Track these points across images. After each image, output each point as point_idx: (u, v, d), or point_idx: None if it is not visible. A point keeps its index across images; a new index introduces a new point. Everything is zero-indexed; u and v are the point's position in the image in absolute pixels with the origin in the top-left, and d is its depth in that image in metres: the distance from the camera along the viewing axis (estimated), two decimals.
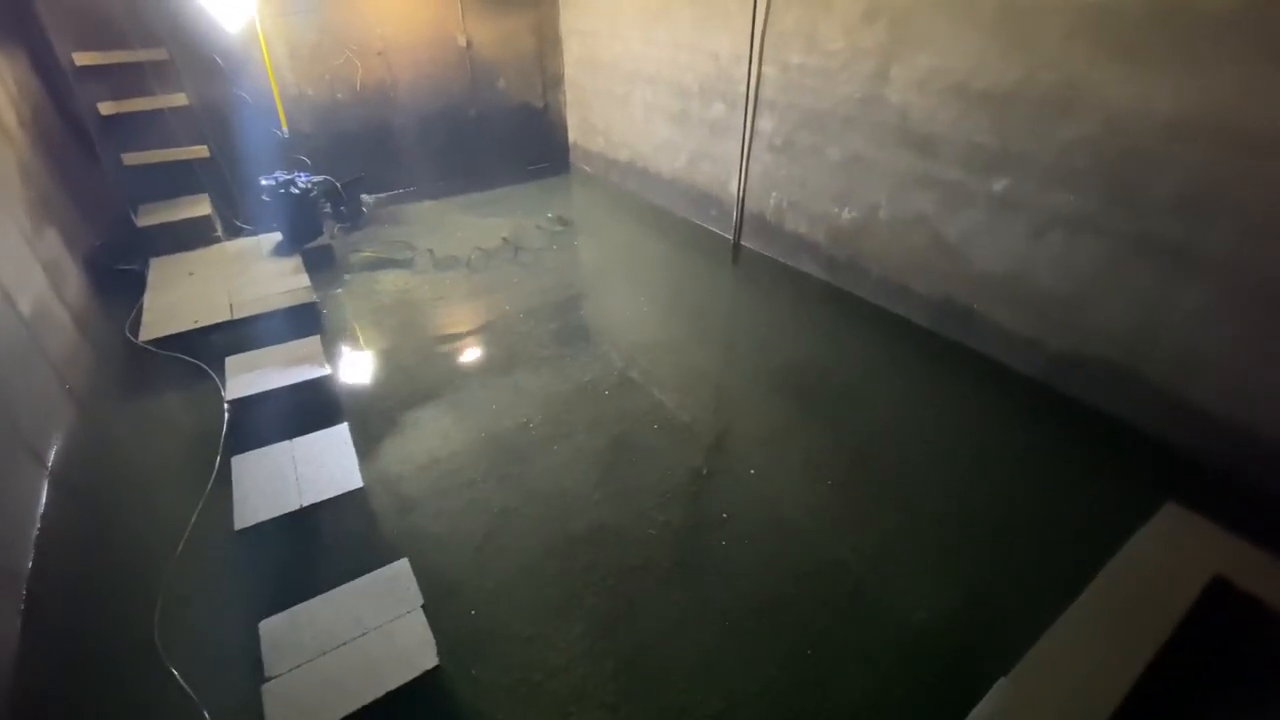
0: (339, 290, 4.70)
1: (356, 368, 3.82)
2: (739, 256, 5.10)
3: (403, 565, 2.22)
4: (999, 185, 3.23)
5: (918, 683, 2.08)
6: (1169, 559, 2.19)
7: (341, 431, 2.87)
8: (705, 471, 2.98)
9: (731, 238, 5.20)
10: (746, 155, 4.78)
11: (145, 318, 3.94)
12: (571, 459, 3.05)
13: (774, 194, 4.71)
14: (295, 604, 2.14)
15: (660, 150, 5.79)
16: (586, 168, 7.15)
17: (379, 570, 2.24)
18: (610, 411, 3.36)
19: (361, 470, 2.65)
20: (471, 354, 3.93)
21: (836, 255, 4.39)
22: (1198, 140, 2.53)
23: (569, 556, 2.54)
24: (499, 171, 6.92)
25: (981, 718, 1.79)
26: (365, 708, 1.82)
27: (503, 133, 6.87)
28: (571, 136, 7.26)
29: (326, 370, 3.35)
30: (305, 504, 2.53)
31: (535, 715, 2.01)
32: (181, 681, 2.08)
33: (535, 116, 7.03)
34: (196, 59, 4.97)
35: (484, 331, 4.15)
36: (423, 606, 2.09)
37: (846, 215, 4.20)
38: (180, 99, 4.93)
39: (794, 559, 2.52)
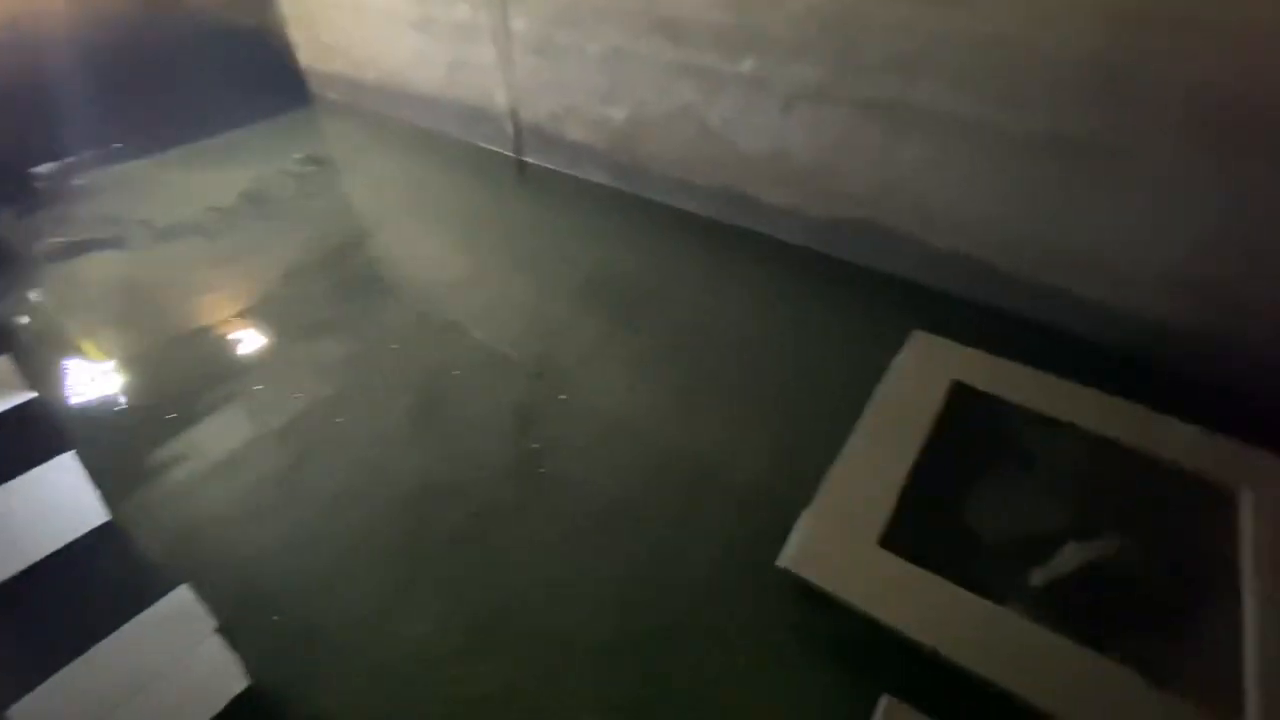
0: (31, 292, 3.71)
1: (77, 381, 3.09)
2: (524, 173, 4.84)
3: (182, 592, 1.92)
4: (746, 66, 3.33)
5: (752, 537, 2.25)
6: (920, 376, 2.58)
7: (67, 463, 2.35)
8: (530, 400, 2.90)
9: (512, 154, 4.90)
10: (506, 61, 4.43)
11: None
12: (379, 423, 2.79)
13: (545, 101, 4.46)
14: (54, 673, 1.76)
15: (412, 65, 5.17)
16: (332, 95, 6.22)
17: (155, 605, 1.92)
18: (415, 361, 3.11)
19: (111, 499, 2.20)
20: (228, 334, 3.35)
21: (619, 158, 4.33)
22: None
23: (399, 525, 2.37)
24: (219, 112, 5.73)
25: (792, 549, 2.02)
26: None
27: (210, 63, 5.67)
28: (304, 59, 6.21)
29: (30, 394, 2.67)
30: (39, 557, 2.06)
31: (391, 699, 1.89)
32: None
33: (250, 39, 5.88)
34: None
35: (240, 304, 3.54)
36: (218, 629, 1.82)
37: (619, 115, 4.11)
38: None
39: (630, 463, 2.58)
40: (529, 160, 4.88)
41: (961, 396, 2.50)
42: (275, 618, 2.05)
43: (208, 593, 1.99)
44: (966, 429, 2.42)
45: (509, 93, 4.58)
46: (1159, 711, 1.60)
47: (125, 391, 3.01)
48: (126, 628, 1.84)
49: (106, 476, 2.47)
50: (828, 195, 3.44)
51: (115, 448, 2.68)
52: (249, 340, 3.32)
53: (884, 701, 1.69)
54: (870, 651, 1.88)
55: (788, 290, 3.48)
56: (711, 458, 2.58)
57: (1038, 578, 1.94)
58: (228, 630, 1.83)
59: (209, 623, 1.84)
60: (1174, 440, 2.23)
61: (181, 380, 3.04)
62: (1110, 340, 2.89)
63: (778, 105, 3.34)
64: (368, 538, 2.33)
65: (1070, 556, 1.96)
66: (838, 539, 2.02)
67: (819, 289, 3.47)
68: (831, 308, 3.33)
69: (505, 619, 2.08)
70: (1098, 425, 2.31)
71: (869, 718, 1.68)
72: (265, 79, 6.06)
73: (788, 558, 1.99)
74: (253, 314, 3.47)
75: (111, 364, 3.17)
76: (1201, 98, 2.30)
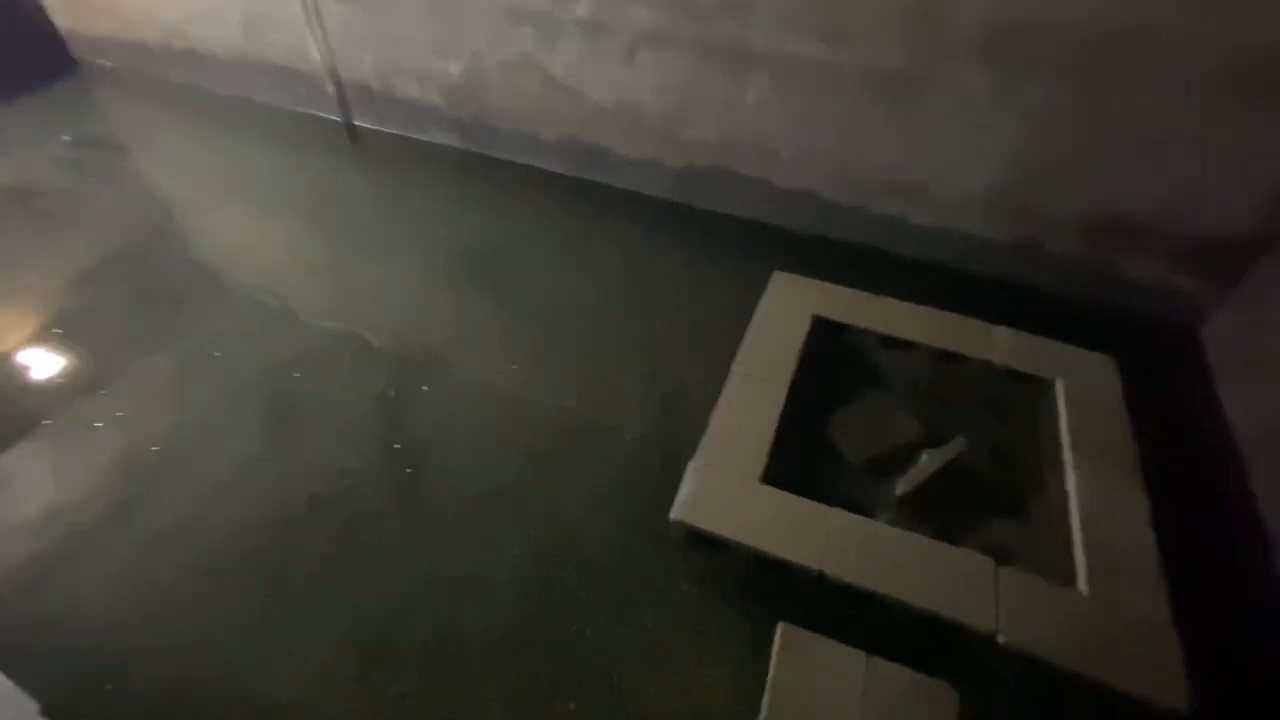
0: None
1: None
2: (357, 139, 4.38)
3: None
4: (582, 9, 3.16)
5: (646, 495, 2.24)
6: (783, 315, 2.67)
7: None
8: (395, 392, 2.69)
9: (340, 119, 4.40)
10: (314, 10, 3.91)
11: None
12: (221, 442, 2.47)
13: (367, 56, 4.01)
14: None
15: (199, 21, 4.43)
16: (105, 62, 5.22)
17: None
18: (255, 365, 2.76)
19: None
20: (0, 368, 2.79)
21: (462, 116, 4.02)
22: None
23: (258, 555, 2.13)
24: None
25: (682, 499, 2.05)
26: None
27: None
28: (60, 21, 5.13)
29: None
30: None
31: None
32: None
33: None
34: None
35: (13, 329, 2.94)
36: (42, 712, 1.55)
37: (454, 68, 3.79)
38: None
39: (512, 441, 2.48)
40: (361, 124, 4.42)
41: (822, 330, 2.63)
42: (109, 687, 1.77)
43: (25, 673, 1.68)
44: (829, 359, 2.56)
45: (323, 48, 4.07)
46: (1008, 589, 1.81)
47: None
48: None
49: None
50: (680, 144, 3.42)
51: None
52: (30, 372, 2.76)
53: (781, 628, 1.78)
54: (766, 585, 1.97)
55: (653, 244, 3.46)
56: (597, 424, 2.54)
57: (900, 487, 2.12)
58: (55, 711, 1.56)
59: (29, 705, 1.56)
60: (1000, 345, 2.50)
61: None
62: (943, 260, 3.16)
63: (621, 52, 3.22)
64: (224, 575, 2.08)
65: (926, 464, 2.15)
66: (723, 483, 2.07)
67: (684, 240, 3.48)
68: (698, 257, 3.36)
69: (395, 633, 1.95)
70: (937, 340, 2.53)
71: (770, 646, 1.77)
72: (8, 47, 4.95)
73: (678, 509, 2.02)
74: (32, 339, 2.90)
75: None
76: (991, 26, 2.48)
